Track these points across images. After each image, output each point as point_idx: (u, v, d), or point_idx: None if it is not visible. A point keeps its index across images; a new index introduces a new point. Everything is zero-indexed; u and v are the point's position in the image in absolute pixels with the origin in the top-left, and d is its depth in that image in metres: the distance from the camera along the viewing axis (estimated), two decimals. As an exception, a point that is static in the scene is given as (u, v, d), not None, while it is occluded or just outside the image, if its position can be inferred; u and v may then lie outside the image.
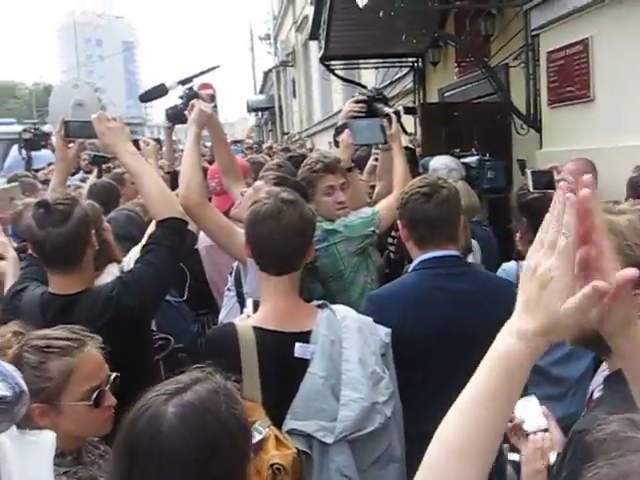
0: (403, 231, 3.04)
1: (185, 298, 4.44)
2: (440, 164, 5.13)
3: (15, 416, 1.29)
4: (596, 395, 1.81)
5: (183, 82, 4.00)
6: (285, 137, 19.61)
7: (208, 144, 7.53)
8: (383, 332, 2.54)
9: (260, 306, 2.56)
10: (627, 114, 5.29)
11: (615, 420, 0.90)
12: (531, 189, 3.46)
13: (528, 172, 3.48)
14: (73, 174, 9.89)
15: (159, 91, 4.09)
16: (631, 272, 1.12)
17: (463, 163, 5.26)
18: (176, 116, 4.51)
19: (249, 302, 2.79)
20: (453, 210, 2.98)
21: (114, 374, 2.21)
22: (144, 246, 3.08)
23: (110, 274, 3.26)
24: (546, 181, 3.38)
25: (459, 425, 1.11)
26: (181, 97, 4.06)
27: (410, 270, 3.05)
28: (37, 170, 8.53)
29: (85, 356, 2.14)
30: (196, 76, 4.09)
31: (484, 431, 1.10)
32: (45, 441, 1.65)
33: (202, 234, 3.88)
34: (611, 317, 1.17)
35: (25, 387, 1.27)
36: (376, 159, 5.14)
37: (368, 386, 2.35)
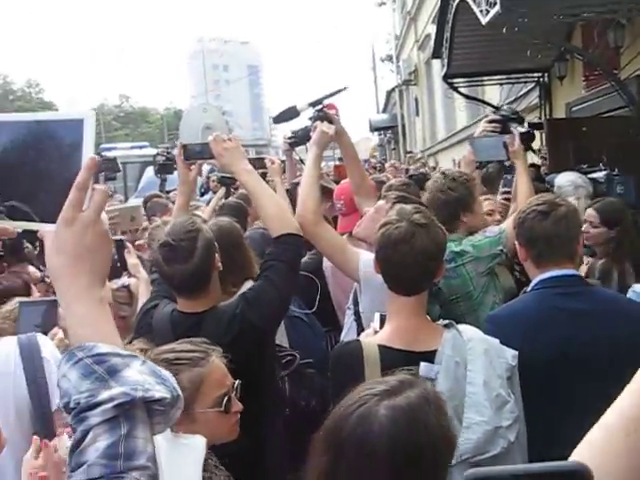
0: (521, 251, 2.98)
1: (314, 310, 4.49)
2: (565, 181, 4.99)
3: (171, 419, 1.32)
4: None
5: (313, 104, 4.07)
6: (407, 156, 19.59)
7: (331, 163, 7.67)
8: (510, 355, 2.48)
9: (386, 324, 2.56)
10: None
11: None
12: None
13: None
14: (202, 194, 10.25)
15: (291, 113, 4.19)
16: None
17: (590, 179, 5.10)
18: (304, 137, 4.59)
19: (376, 316, 2.80)
20: (571, 228, 2.90)
21: (237, 381, 2.33)
22: (263, 263, 3.15)
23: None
24: None
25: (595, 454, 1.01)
26: (310, 118, 4.15)
27: (529, 290, 3.00)
28: (169, 192, 8.86)
29: (212, 365, 2.27)
30: (326, 97, 4.16)
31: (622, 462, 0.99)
32: (197, 445, 1.71)
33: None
34: None
35: (180, 391, 1.34)
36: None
37: (492, 409, 2.31)
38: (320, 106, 4.02)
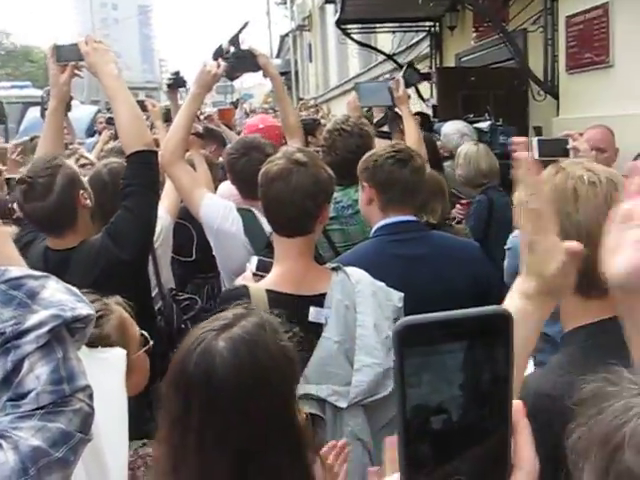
0: (370, 192, 3.02)
1: (194, 259, 4.44)
2: (452, 129, 5.09)
3: (86, 336, 1.32)
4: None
5: (233, 42, 4.06)
6: (299, 102, 19.50)
7: (208, 110, 7.55)
8: (397, 297, 2.51)
9: (273, 267, 2.53)
10: (646, 80, 5.22)
11: (593, 380, 0.89)
12: (536, 157, 3.40)
13: (534, 140, 3.42)
14: (91, 135, 9.88)
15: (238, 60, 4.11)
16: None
17: (475, 128, 5.21)
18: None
19: (253, 260, 2.79)
20: (424, 181, 3.05)
21: (144, 333, 2.23)
22: (121, 190, 3.10)
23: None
24: (559, 149, 3.33)
25: None
26: (226, 58, 4.08)
27: (371, 235, 3.06)
28: None
29: (118, 307, 2.17)
30: (237, 37, 4.11)
31: None
32: (116, 357, 1.67)
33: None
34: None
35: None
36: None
37: (383, 352, 2.33)
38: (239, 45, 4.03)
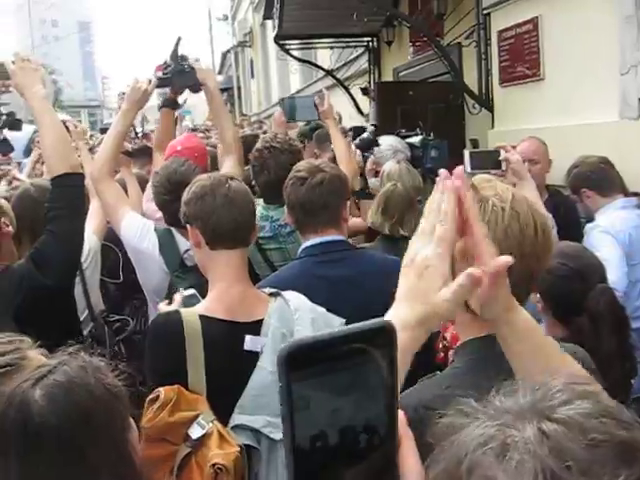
0: (288, 217, 3.03)
1: (121, 280, 4.36)
2: (385, 145, 5.09)
3: None
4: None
5: (173, 59, 4.03)
6: (240, 118, 19.44)
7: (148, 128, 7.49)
8: (337, 322, 2.43)
9: (209, 291, 2.45)
10: (577, 93, 5.31)
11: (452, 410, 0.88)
12: (468, 170, 3.40)
13: (466, 153, 3.42)
14: (28, 155, 9.66)
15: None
16: (505, 259, 1.11)
17: (408, 143, 5.23)
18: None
19: (189, 291, 2.71)
20: (328, 194, 2.91)
21: None
22: (45, 214, 3.03)
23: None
24: (491, 161, 3.34)
25: None
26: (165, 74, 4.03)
27: (296, 256, 3.03)
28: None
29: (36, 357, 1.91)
30: (175, 52, 4.08)
31: None
32: None
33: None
34: (490, 304, 1.17)
35: None
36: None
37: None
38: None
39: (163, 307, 2.67)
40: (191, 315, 2.32)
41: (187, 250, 3.26)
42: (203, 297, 2.55)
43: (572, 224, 4.18)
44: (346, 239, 3.05)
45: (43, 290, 2.85)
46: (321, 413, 0.67)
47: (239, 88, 29.61)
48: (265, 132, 10.56)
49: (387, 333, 0.71)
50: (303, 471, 0.68)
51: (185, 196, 2.52)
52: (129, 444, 1.57)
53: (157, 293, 3.37)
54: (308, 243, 2.93)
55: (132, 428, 1.61)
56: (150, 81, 3.77)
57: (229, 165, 3.78)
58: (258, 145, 3.73)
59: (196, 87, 3.99)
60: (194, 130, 13.91)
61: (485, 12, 6.68)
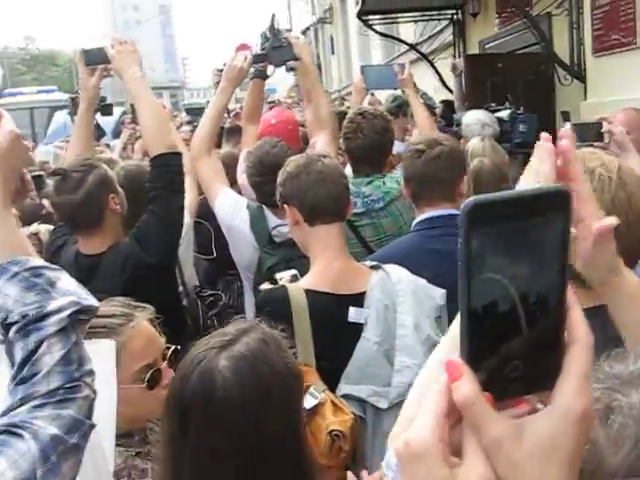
0: (404, 189, 3.01)
1: (214, 257, 4.45)
2: (473, 119, 5.00)
3: (85, 330, 1.38)
4: None
5: (270, 34, 4.13)
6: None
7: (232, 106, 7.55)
8: (439, 294, 2.46)
9: (311, 266, 2.51)
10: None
11: None
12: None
13: (567, 125, 3.36)
14: (117, 136, 9.93)
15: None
16: (610, 220, 1.10)
17: (496, 117, 5.13)
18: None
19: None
20: (445, 168, 2.88)
21: (172, 347, 2.04)
22: (147, 193, 3.12)
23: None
24: (593, 133, 3.27)
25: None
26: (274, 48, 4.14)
27: (411, 230, 3.04)
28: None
29: (133, 332, 1.93)
30: (272, 28, 4.16)
31: None
32: (107, 347, 1.68)
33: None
34: (595, 265, 1.17)
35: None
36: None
37: (422, 352, 2.31)
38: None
39: (265, 287, 2.72)
40: (296, 289, 2.39)
41: (276, 226, 3.33)
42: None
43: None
44: (456, 213, 3.04)
45: (147, 268, 2.94)
46: (497, 273, 0.68)
47: (319, 65, 29.51)
48: (348, 107, 10.57)
49: (564, 197, 0.70)
50: (476, 334, 0.69)
51: (280, 177, 2.58)
52: (302, 423, 1.61)
53: (249, 268, 3.46)
54: (422, 217, 2.92)
55: (301, 406, 1.65)
56: (246, 58, 3.82)
57: (324, 141, 3.80)
58: (350, 115, 3.74)
59: (293, 58, 4.02)
60: (270, 103, 13.99)
61: (577, -20, 6.51)
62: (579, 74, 6.65)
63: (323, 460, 2.05)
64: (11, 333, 1.27)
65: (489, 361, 0.70)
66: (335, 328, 2.34)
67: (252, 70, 4.17)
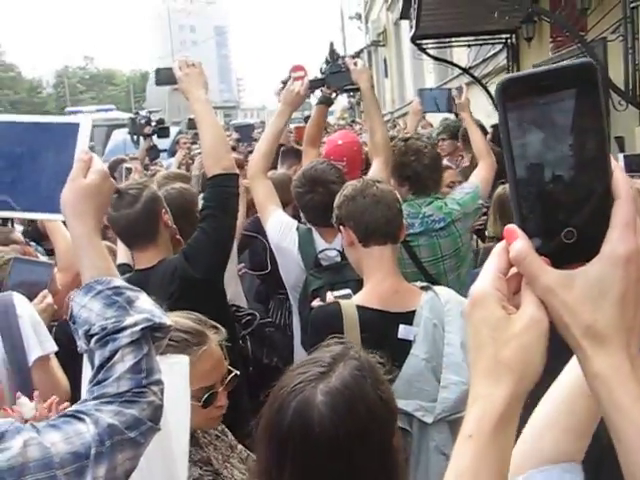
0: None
1: (269, 270, 4.50)
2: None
3: (162, 347, 1.55)
4: None
5: (330, 59, 4.24)
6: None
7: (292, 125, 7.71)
8: None
9: (364, 285, 2.60)
10: None
11: None
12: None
13: (620, 156, 3.36)
14: (172, 155, 10.14)
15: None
16: None
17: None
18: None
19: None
20: None
21: (233, 373, 2.14)
22: (200, 212, 3.24)
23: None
24: None
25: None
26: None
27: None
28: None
29: (203, 354, 2.03)
30: (332, 53, 4.29)
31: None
32: (182, 362, 1.79)
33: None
34: None
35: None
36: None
37: (468, 370, 2.35)
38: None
39: (316, 304, 2.80)
40: (349, 305, 2.48)
41: (323, 250, 3.41)
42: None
43: None
44: None
45: (193, 282, 3.02)
46: (536, 143, 0.75)
47: (372, 87, 29.68)
48: (399, 131, 10.63)
49: (590, 70, 0.74)
50: (525, 200, 0.76)
51: (337, 200, 2.70)
52: (396, 456, 1.62)
53: (295, 289, 3.55)
54: None
55: (396, 436, 1.65)
56: (302, 83, 3.91)
57: (377, 167, 3.87)
58: (406, 137, 3.85)
59: (350, 83, 4.11)
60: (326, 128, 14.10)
61: (633, 5, 6.50)
62: (634, 100, 6.62)
63: None
64: (92, 343, 1.45)
65: (543, 227, 0.76)
66: (385, 344, 2.40)
67: (319, 95, 4.29)
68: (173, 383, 1.60)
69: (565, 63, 0.75)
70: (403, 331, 2.44)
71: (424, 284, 2.63)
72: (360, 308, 2.46)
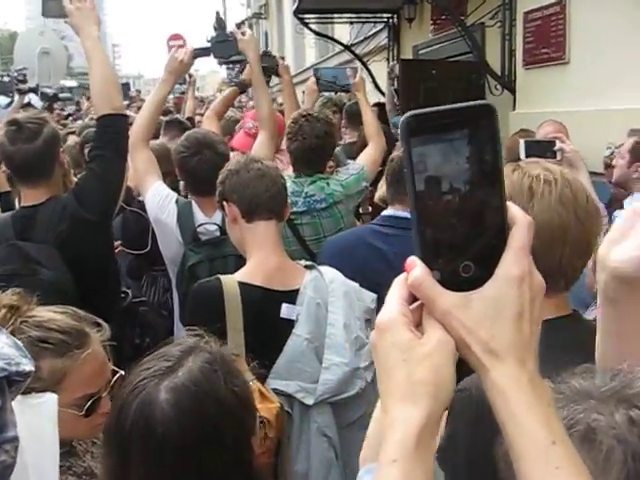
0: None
1: (148, 249, 4.38)
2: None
3: (22, 389, 1.30)
4: None
5: (218, 28, 4.13)
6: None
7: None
8: (369, 298, 2.53)
9: (247, 261, 2.54)
10: (602, 77, 5.30)
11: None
12: (522, 157, 3.42)
13: (521, 141, 3.48)
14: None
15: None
16: None
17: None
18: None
19: None
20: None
21: (118, 374, 1.89)
22: (88, 152, 3.21)
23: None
24: (545, 150, 3.38)
25: None
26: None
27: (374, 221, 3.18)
28: None
29: (84, 358, 1.80)
30: (220, 21, 4.17)
31: None
32: (49, 401, 1.62)
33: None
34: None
35: (33, 365, 1.30)
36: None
37: (351, 351, 2.36)
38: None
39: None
40: (231, 281, 2.41)
41: (202, 224, 3.33)
42: (212, 273, 2.66)
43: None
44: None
45: (83, 223, 2.97)
46: (437, 176, 0.77)
47: (259, 58, 29.41)
48: (281, 104, 10.54)
49: (489, 110, 0.79)
50: (426, 233, 0.79)
51: (221, 176, 2.62)
52: (253, 456, 1.52)
53: (174, 262, 3.45)
54: (387, 213, 3.11)
55: (255, 435, 1.54)
56: (186, 52, 3.80)
57: (260, 141, 3.81)
58: (294, 115, 3.75)
59: (237, 54, 4.07)
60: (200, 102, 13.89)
61: (511, -7, 6.65)
62: (509, 85, 6.81)
63: None
64: None
65: (441, 261, 0.79)
66: (267, 323, 2.37)
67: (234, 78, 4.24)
68: (38, 426, 1.42)
69: (467, 103, 0.79)
70: (286, 310, 2.40)
71: (308, 263, 2.59)
72: (242, 285, 2.39)
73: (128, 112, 3.85)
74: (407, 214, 2.92)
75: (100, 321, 1.92)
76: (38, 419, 1.35)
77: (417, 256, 0.80)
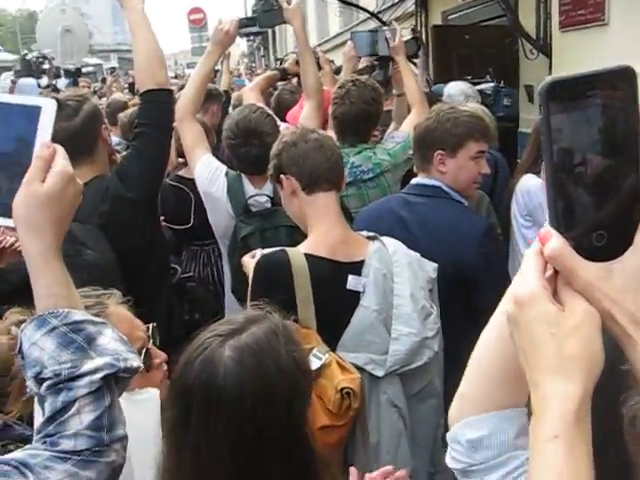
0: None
1: (191, 225, 4.39)
2: (456, 90, 5.04)
3: (127, 386, 1.35)
4: None
5: None
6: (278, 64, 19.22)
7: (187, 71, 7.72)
8: (431, 267, 2.52)
9: (309, 234, 2.52)
10: (643, 39, 5.19)
11: None
12: None
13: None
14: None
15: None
16: None
17: (478, 90, 5.16)
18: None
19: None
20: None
21: (150, 325, 1.92)
22: (134, 129, 3.14)
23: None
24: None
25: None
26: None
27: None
28: None
29: (110, 319, 1.71)
30: None
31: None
32: (152, 397, 1.64)
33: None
34: None
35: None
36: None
37: (419, 321, 2.35)
38: None
39: (247, 259, 2.69)
40: (297, 253, 2.40)
41: (253, 196, 3.31)
42: (264, 244, 2.64)
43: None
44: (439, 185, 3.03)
45: (126, 203, 2.96)
46: (576, 144, 0.78)
47: (274, 31, 29.18)
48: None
49: (628, 74, 0.78)
50: (560, 201, 0.78)
51: (275, 148, 2.59)
52: (307, 424, 1.56)
53: (225, 235, 3.45)
54: (414, 181, 3.06)
55: (310, 404, 1.59)
56: (232, 23, 3.77)
57: (306, 112, 3.78)
58: (341, 80, 3.72)
59: (282, 22, 4.03)
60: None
61: (546, -46, 6.51)
62: (545, 49, 6.67)
63: (332, 420, 2.07)
64: (42, 388, 1.24)
65: (575, 230, 0.79)
66: (333, 294, 2.36)
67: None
68: (142, 421, 1.48)
69: (604, 68, 0.79)
70: (352, 282, 2.38)
71: (371, 234, 2.56)
72: (309, 257, 2.38)
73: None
74: (433, 182, 2.90)
75: (110, 291, 1.91)
76: (142, 416, 1.38)
77: (551, 226, 0.79)
